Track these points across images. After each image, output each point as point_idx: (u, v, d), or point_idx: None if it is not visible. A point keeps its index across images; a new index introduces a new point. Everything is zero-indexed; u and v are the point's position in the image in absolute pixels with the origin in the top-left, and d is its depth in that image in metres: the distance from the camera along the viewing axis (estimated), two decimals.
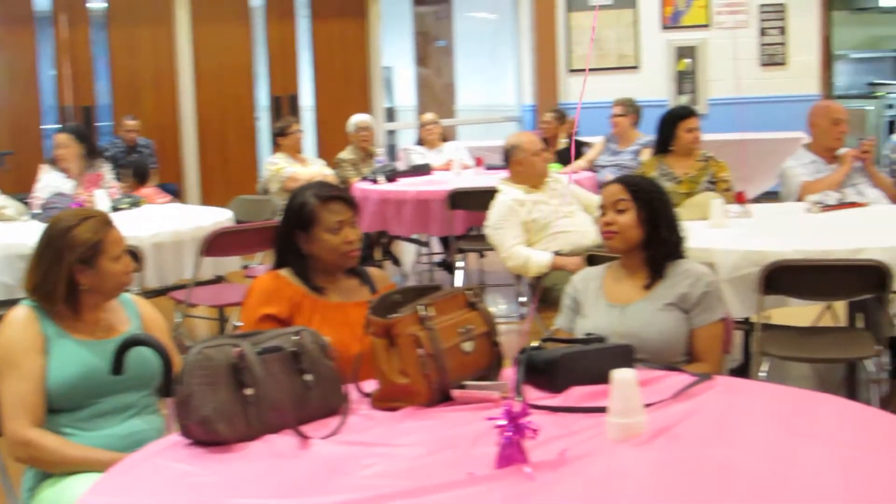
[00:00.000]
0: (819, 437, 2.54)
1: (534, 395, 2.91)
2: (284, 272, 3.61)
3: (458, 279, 7.90)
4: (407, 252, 10.24)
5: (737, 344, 5.56)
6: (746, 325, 5.19)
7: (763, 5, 12.33)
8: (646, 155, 8.16)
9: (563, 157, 9.37)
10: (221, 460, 2.56)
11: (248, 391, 2.65)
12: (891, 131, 11.76)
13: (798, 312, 6.06)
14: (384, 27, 12.45)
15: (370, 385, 2.99)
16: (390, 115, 14.66)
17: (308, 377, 2.79)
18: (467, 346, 2.96)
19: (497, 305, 8.18)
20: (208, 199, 11.51)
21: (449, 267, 8.81)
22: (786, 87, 12.26)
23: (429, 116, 10.10)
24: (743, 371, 5.32)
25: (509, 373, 3.03)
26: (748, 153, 10.69)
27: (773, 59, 12.42)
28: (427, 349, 2.86)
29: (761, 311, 4.74)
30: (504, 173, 6.61)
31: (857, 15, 15.24)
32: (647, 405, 2.68)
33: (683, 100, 12.30)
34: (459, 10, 14.12)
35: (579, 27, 12.59)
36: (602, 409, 2.62)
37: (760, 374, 4.79)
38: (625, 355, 3.05)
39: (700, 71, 12.47)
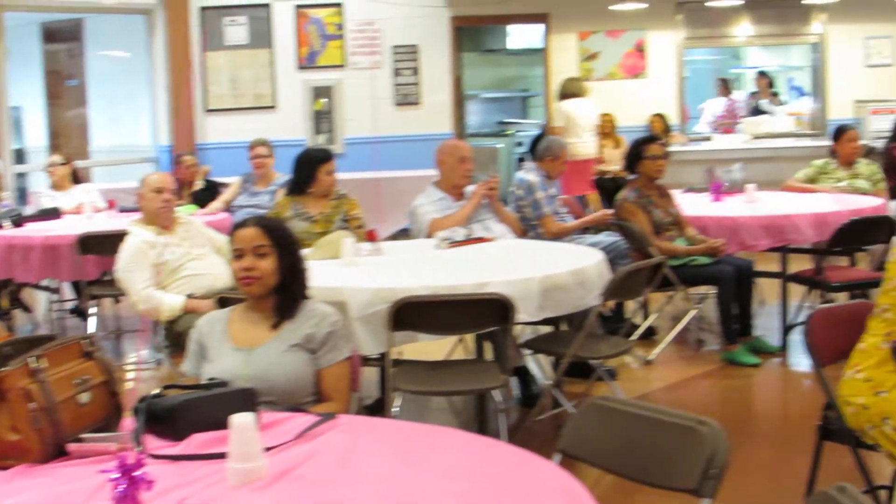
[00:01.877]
0: (440, 470, 2.58)
1: (155, 444, 2.83)
2: None
3: (92, 326, 7.63)
4: (40, 299, 9.80)
5: (373, 380, 5.64)
6: (382, 362, 5.25)
7: (396, 47, 12.62)
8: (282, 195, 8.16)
9: (200, 199, 9.25)
10: None
11: None
12: (519, 168, 12.27)
13: (435, 346, 6.22)
14: (11, 65, 11.91)
15: None
16: (20, 156, 14.05)
17: None
18: (83, 397, 2.85)
19: (133, 352, 7.95)
20: None
21: (82, 313, 8.50)
22: (420, 127, 12.57)
23: (55, 158, 9.72)
24: (379, 407, 5.37)
25: (129, 422, 2.93)
26: (384, 191, 10.94)
27: (407, 98, 12.72)
28: (39, 403, 2.73)
29: (392, 347, 4.81)
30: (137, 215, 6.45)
31: (487, 56, 15.95)
32: (269, 448, 2.65)
33: (321, 139, 12.42)
34: (91, 49, 13.70)
35: (215, 67, 12.49)
36: (222, 455, 2.57)
37: (394, 409, 4.86)
38: (247, 399, 3.00)
39: (337, 110, 12.63)
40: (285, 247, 3.78)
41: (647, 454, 2.78)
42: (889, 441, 3.91)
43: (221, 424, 2.70)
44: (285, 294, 3.75)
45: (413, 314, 4.73)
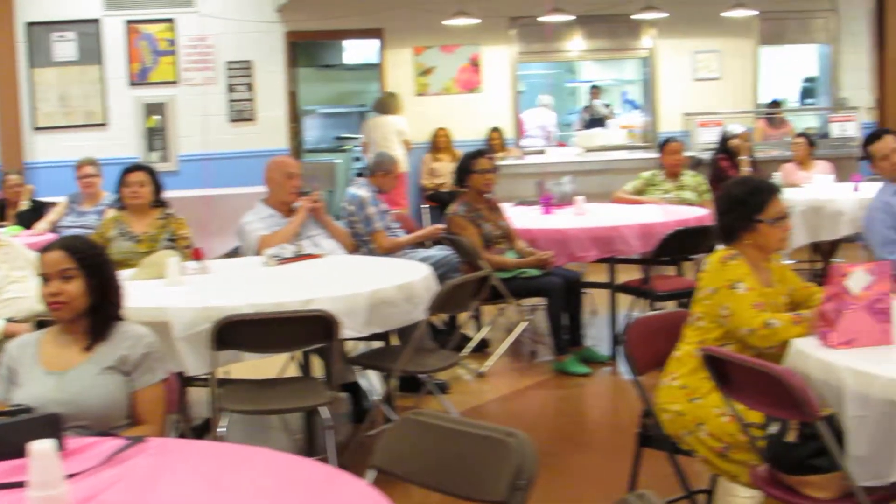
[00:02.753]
0: (246, 491, 2.56)
1: None
2: None
3: None
4: None
5: (204, 401, 5.57)
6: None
7: (230, 62, 12.48)
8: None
9: (25, 219, 9.01)
10: None
11: None
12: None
13: (269, 363, 6.17)
14: None
15: None
16: None
17: None
18: None
19: None
20: None
21: None
22: (255, 143, 12.44)
23: None
24: (207, 428, 5.30)
25: None
26: (219, 208, 10.82)
27: (241, 115, 12.59)
28: None
29: (216, 366, 4.75)
30: None
31: (324, 72, 15.89)
32: (73, 475, 2.58)
33: (154, 157, 12.19)
34: None
35: (44, 83, 12.18)
36: (22, 484, 2.49)
37: (220, 430, 4.80)
38: (51, 425, 2.92)
39: (170, 127, 12.43)
40: (93, 267, 3.66)
41: (459, 468, 2.79)
42: (704, 446, 4.01)
43: (24, 452, 2.62)
44: (97, 316, 3.65)
45: (236, 333, 4.67)
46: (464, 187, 7.46)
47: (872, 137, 6.60)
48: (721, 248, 4.28)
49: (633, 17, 12.84)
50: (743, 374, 3.54)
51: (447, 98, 13.20)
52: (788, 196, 8.83)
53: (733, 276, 4.09)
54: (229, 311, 4.70)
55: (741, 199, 4.28)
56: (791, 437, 3.52)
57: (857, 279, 3.66)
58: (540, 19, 12.07)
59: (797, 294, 4.33)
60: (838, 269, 3.67)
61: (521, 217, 7.98)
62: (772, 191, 4.30)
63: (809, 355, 3.60)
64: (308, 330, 4.77)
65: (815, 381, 3.50)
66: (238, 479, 2.67)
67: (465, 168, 7.42)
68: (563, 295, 7.10)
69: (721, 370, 3.63)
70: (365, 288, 5.10)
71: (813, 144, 10.51)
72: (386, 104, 12.46)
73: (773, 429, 3.60)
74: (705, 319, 4.16)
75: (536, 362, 7.69)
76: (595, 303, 8.67)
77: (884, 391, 3.25)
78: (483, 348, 7.74)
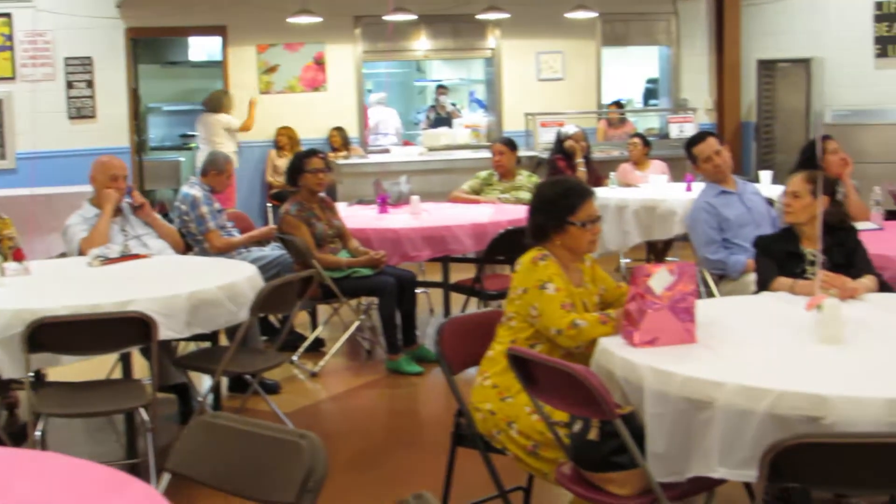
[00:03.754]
0: (26, 498, 2.53)
1: None
2: None
3: None
4: None
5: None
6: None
7: (69, 58, 12.21)
8: None
9: None
10: None
11: None
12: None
13: (91, 366, 6.07)
14: None
15: None
16: None
17: None
18: None
19: None
20: None
21: None
22: (96, 140, 12.18)
23: None
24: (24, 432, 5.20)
25: None
26: (56, 207, 10.57)
27: (81, 112, 12.33)
28: None
29: (30, 370, 4.66)
30: None
31: (168, 69, 15.68)
32: None
33: None
34: None
35: None
36: None
37: (37, 433, 4.71)
38: None
39: (7, 125, 12.11)
40: None
41: (250, 470, 2.79)
42: (515, 444, 4.07)
43: None
44: None
45: (51, 335, 4.60)
46: (296, 186, 7.43)
47: (695, 139, 6.76)
48: (534, 249, 4.34)
49: (477, 17, 12.93)
50: (546, 373, 3.60)
51: (292, 96, 13.13)
52: (623, 196, 9.08)
53: (543, 277, 4.15)
54: (44, 313, 4.62)
55: (553, 200, 4.35)
56: (593, 435, 3.60)
57: (660, 279, 3.75)
58: (385, 18, 12.08)
59: (609, 294, 4.43)
60: (642, 270, 3.75)
61: (356, 217, 7.99)
62: (584, 194, 4.37)
63: (613, 354, 3.68)
64: (125, 331, 4.72)
65: (618, 380, 3.59)
66: (18, 486, 2.62)
67: (297, 167, 7.40)
68: (395, 294, 7.12)
69: (526, 370, 3.68)
70: (185, 289, 5.06)
71: (648, 145, 10.72)
72: (215, 102, 12.34)
73: (577, 427, 3.67)
74: (517, 319, 4.22)
75: (370, 362, 7.70)
76: (433, 302, 8.72)
77: (681, 389, 3.33)
78: (318, 348, 7.73)
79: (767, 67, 13.53)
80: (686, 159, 6.94)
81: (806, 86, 12.84)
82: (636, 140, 10.75)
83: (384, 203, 8.33)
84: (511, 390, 4.09)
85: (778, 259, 5.08)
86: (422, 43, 13.84)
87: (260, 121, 12.61)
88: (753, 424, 3.15)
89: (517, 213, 7.85)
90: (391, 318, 7.15)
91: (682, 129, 13.05)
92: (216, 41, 13.62)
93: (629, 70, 16.36)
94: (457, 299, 7.88)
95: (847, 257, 4.97)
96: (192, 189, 7.38)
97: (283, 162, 12.37)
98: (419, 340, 7.53)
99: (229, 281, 5.29)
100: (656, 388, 3.40)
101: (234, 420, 2.94)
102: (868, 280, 4.72)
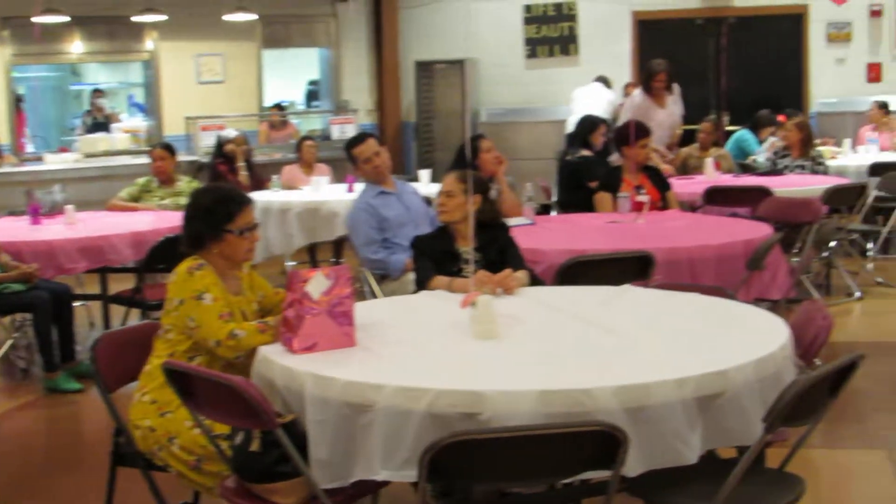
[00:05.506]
0: None
1: None
2: None
3: None
4: None
5: None
6: None
7: None
8: None
9: None
10: None
11: None
12: None
13: None
14: None
15: None
16: None
17: None
18: None
19: None
20: None
21: None
22: None
23: None
24: None
25: None
26: None
27: None
28: None
29: None
30: None
31: None
32: None
33: None
34: None
35: None
36: None
37: None
38: None
39: None
40: None
41: None
42: (177, 460, 3.96)
43: None
44: None
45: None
46: None
47: (355, 141, 6.81)
48: (189, 258, 4.23)
49: (133, 19, 12.60)
50: (204, 386, 3.51)
51: None
52: (286, 198, 9.04)
53: (200, 287, 4.05)
54: None
55: (209, 208, 4.27)
56: (255, 445, 3.53)
57: (317, 284, 3.72)
58: (34, 20, 11.57)
59: (267, 301, 4.36)
60: (298, 276, 3.71)
61: (6, 229, 7.60)
62: (241, 201, 4.30)
63: (274, 362, 3.61)
64: None
65: (280, 388, 3.52)
66: None
67: None
68: (50, 310, 6.81)
69: (184, 384, 3.57)
70: None
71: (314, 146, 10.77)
72: None
73: (239, 439, 3.59)
74: (174, 331, 4.10)
75: (27, 381, 7.33)
76: (93, 315, 8.41)
77: (341, 394, 3.30)
78: None
79: (425, 68, 13.85)
80: (347, 160, 6.97)
81: (461, 86, 13.20)
82: (310, 143, 10.82)
83: (37, 213, 7.95)
84: (171, 405, 3.97)
85: (435, 258, 5.15)
86: (76, 46, 13.42)
87: None
88: (413, 425, 3.15)
89: (178, 220, 7.65)
90: (47, 334, 6.84)
91: (344, 130, 13.16)
92: None
93: (291, 72, 16.36)
94: (118, 311, 7.62)
95: (500, 254, 5.09)
96: None
97: None
98: (79, 357, 7.22)
99: None
100: (317, 395, 3.36)
101: None
102: (521, 275, 4.84)
